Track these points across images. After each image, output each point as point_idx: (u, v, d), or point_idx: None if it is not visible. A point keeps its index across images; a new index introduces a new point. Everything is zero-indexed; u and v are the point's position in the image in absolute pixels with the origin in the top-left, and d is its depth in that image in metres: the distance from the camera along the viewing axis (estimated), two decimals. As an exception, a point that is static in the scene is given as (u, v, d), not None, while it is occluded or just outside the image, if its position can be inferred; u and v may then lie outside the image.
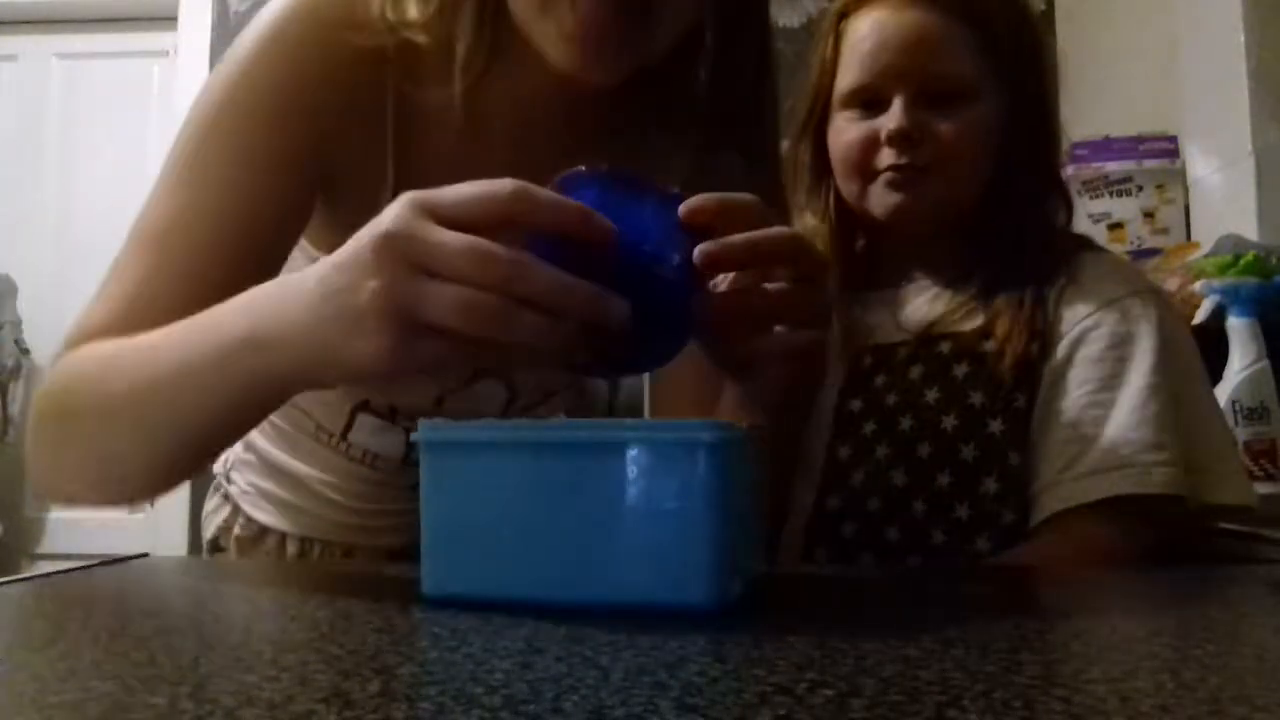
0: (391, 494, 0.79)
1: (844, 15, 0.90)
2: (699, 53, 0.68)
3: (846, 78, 0.89)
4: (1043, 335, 0.81)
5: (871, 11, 0.88)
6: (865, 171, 0.87)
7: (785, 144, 0.92)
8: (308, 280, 0.50)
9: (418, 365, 0.47)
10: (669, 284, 0.50)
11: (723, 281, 0.57)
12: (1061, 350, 0.80)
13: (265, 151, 0.64)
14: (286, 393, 0.56)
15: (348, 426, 0.77)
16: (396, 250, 0.45)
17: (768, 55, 0.73)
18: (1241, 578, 0.62)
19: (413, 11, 0.63)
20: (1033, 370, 0.80)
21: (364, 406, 0.79)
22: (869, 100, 0.87)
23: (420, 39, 0.63)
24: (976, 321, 0.84)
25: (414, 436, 0.44)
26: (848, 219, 0.92)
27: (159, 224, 0.64)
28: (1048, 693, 0.28)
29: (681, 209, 0.50)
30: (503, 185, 0.46)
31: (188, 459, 0.60)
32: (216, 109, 0.65)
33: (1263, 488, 1.16)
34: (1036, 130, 0.89)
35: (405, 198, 0.47)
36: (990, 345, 0.81)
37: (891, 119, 0.85)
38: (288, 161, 0.65)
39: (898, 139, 0.84)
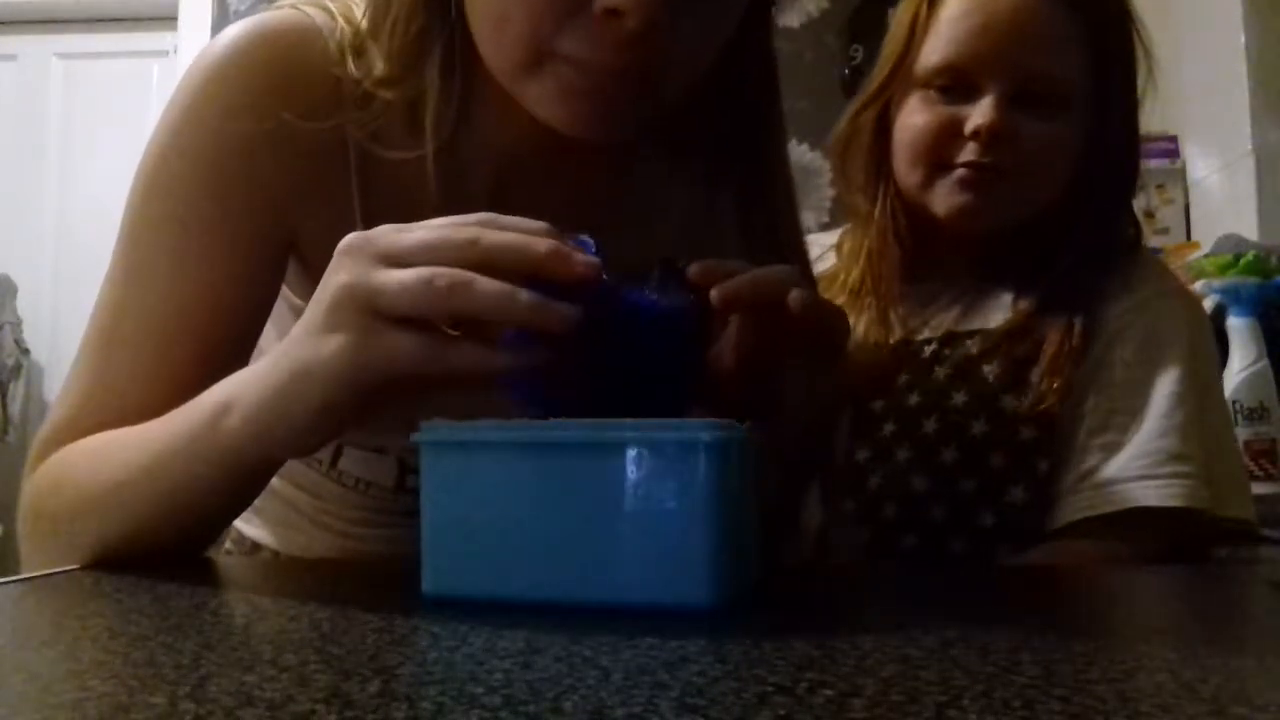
0: (385, 519, 0.76)
1: None
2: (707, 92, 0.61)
3: (935, 54, 0.80)
4: (1085, 347, 0.77)
5: None
6: (936, 162, 0.79)
7: (800, 139, 0.88)
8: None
9: (386, 364, 0.45)
10: (667, 326, 0.47)
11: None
12: (1093, 352, 0.77)
13: (209, 232, 0.58)
14: (267, 454, 0.52)
15: (336, 455, 0.73)
16: (358, 253, 0.45)
17: (773, 78, 0.67)
18: (1241, 578, 0.62)
19: (379, 67, 0.57)
20: (1070, 379, 0.76)
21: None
22: (955, 84, 0.79)
23: (387, 95, 0.58)
24: (1003, 317, 0.80)
25: (414, 437, 0.43)
26: (897, 207, 0.84)
27: (108, 321, 0.59)
28: (1048, 693, 0.28)
29: (715, 294, 0.47)
30: (459, 232, 0.45)
31: (183, 542, 0.57)
32: (149, 181, 0.59)
33: (1262, 488, 1.16)
34: (1122, 151, 0.82)
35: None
36: (1023, 351, 0.77)
37: (982, 112, 0.76)
38: (233, 239, 0.59)
39: (986, 136, 0.76)
